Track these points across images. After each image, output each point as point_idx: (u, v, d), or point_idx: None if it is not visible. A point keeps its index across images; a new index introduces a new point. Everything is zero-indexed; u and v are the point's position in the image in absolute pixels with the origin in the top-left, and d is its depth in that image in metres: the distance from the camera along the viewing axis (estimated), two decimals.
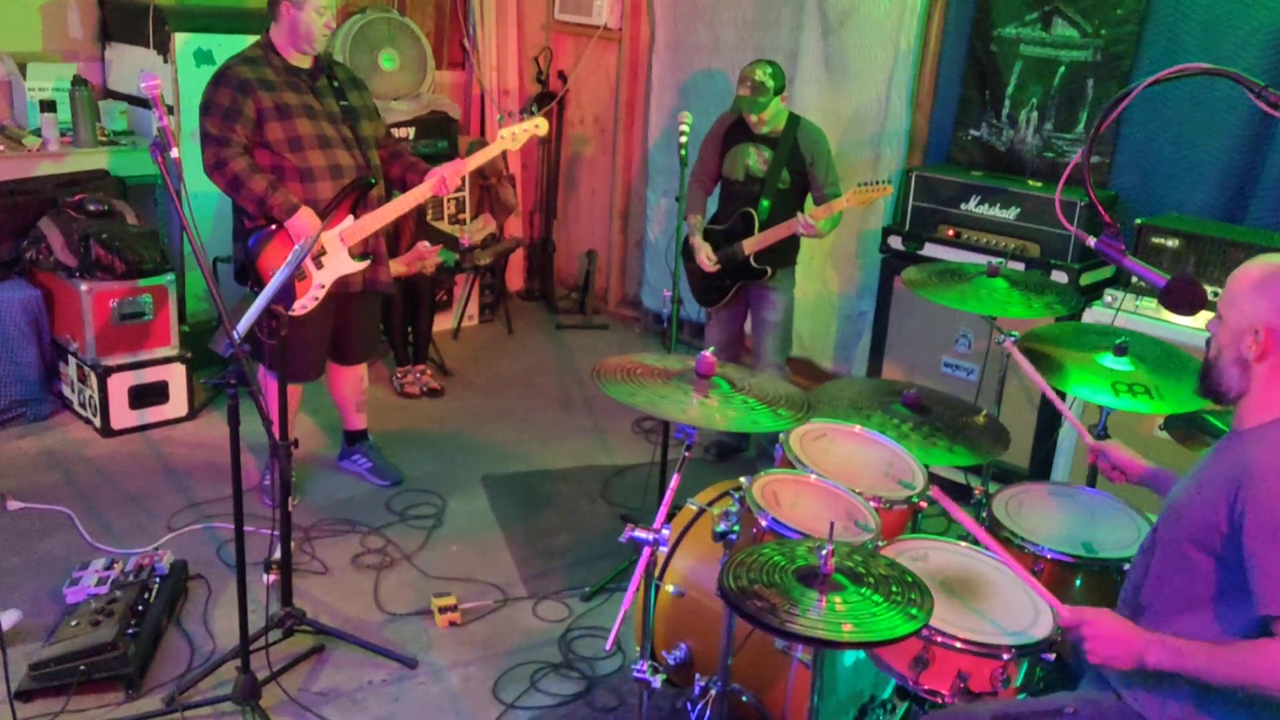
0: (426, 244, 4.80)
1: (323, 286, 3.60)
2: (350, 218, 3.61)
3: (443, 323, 5.72)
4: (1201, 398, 2.08)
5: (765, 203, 4.16)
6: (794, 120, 4.19)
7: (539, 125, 3.84)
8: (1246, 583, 1.83)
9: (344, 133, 3.69)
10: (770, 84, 4.01)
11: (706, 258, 4.21)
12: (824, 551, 2.04)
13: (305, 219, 3.50)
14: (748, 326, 4.49)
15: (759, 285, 4.29)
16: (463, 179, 5.72)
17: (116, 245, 4.33)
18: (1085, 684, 2.18)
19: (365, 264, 3.68)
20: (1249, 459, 1.87)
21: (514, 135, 3.77)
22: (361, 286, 3.76)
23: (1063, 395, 2.80)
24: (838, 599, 2.00)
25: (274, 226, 3.55)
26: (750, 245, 4.16)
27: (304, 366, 3.78)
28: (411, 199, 3.70)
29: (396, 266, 4.74)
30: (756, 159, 4.20)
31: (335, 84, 3.75)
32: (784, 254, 4.25)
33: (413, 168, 3.84)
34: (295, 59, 3.66)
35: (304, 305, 3.57)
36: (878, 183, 3.97)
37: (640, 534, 2.11)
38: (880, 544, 2.49)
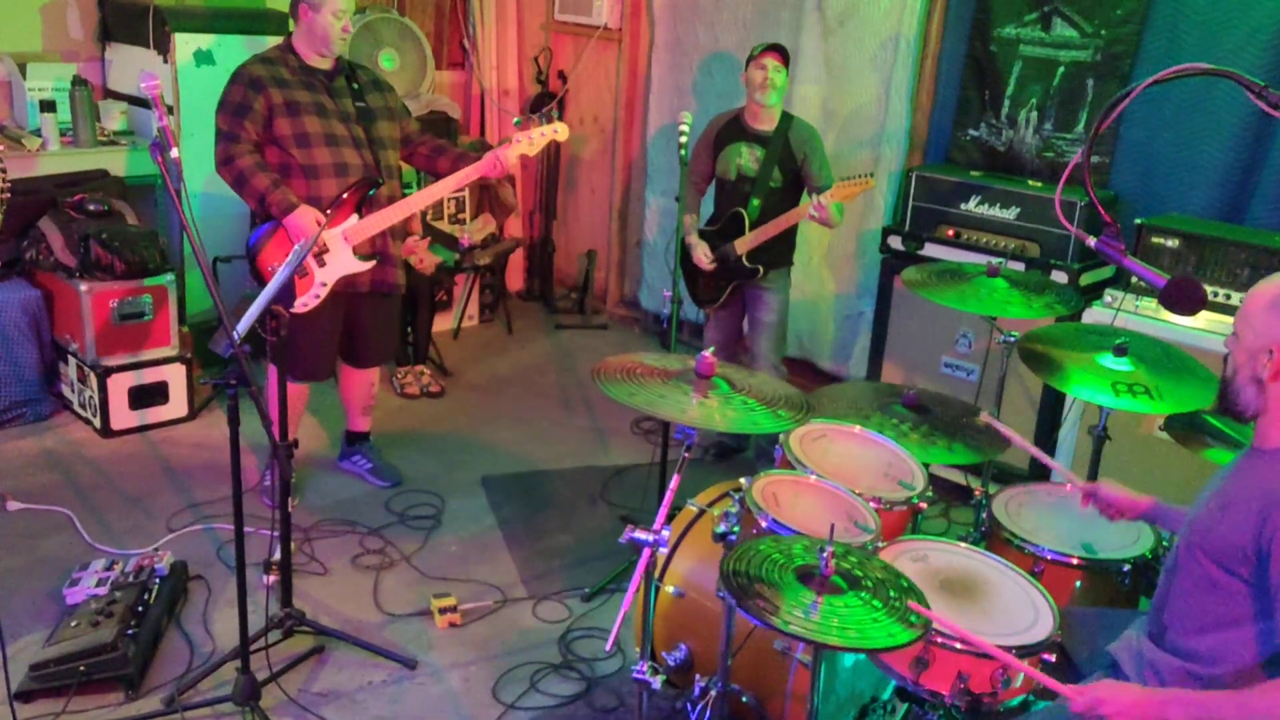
0: (415, 238, 4.80)
1: (324, 285, 3.59)
2: (355, 217, 3.61)
3: (442, 323, 5.72)
4: (1220, 416, 2.07)
5: (755, 201, 4.16)
6: (786, 119, 4.19)
7: (558, 130, 3.82)
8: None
9: (355, 132, 3.69)
10: (783, 57, 4.08)
11: (704, 255, 4.21)
12: (824, 553, 2.04)
13: (303, 218, 3.51)
14: (745, 326, 4.49)
15: (753, 286, 4.29)
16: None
17: (116, 245, 4.33)
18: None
19: (370, 264, 3.67)
20: (1277, 484, 1.86)
21: (531, 140, 3.76)
22: (369, 287, 3.76)
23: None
24: (838, 602, 2.00)
25: (274, 223, 3.55)
26: (742, 244, 4.15)
27: (312, 366, 3.78)
28: (436, 190, 3.70)
29: None
30: (748, 158, 4.20)
31: (355, 85, 3.76)
32: (777, 254, 4.24)
33: (462, 158, 3.83)
34: (314, 61, 3.69)
35: (305, 303, 3.57)
36: (859, 176, 3.93)
37: (640, 535, 2.11)
38: (880, 545, 2.49)
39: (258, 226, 3.61)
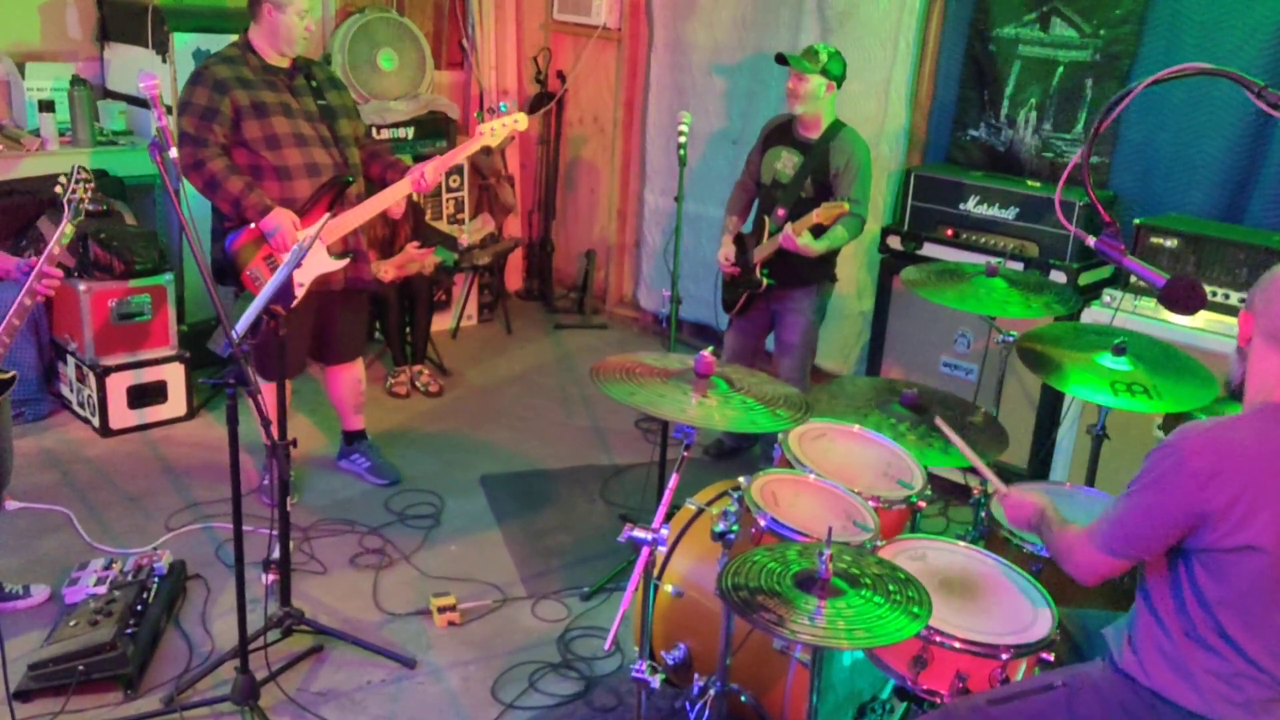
0: (416, 245, 4.80)
1: (301, 285, 3.60)
2: (328, 216, 3.61)
3: (441, 323, 5.72)
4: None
5: (780, 210, 4.02)
6: (836, 126, 3.98)
7: (518, 120, 3.82)
8: None
9: (321, 131, 3.69)
10: (822, 56, 3.83)
11: (724, 257, 4.12)
12: (824, 556, 2.04)
13: (278, 219, 3.51)
14: (769, 344, 4.39)
15: (777, 302, 4.13)
16: (461, 178, 5.73)
17: (115, 245, 4.33)
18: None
19: (344, 262, 3.68)
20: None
21: (492, 130, 3.77)
22: (344, 285, 3.76)
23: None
24: (841, 603, 2.00)
25: (250, 225, 3.55)
26: (758, 254, 4.03)
27: (280, 364, 3.78)
28: (390, 195, 3.70)
29: (389, 269, 4.74)
30: (786, 164, 4.04)
31: (314, 83, 3.75)
32: (796, 271, 4.00)
33: (393, 166, 3.84)
34: (274, 59, 3.67)
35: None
36: (836, 200, 3.80)
37: (639, 534, 2.11)
38: (879, 544, 2.49)
39: (227, 230, 3.58)
